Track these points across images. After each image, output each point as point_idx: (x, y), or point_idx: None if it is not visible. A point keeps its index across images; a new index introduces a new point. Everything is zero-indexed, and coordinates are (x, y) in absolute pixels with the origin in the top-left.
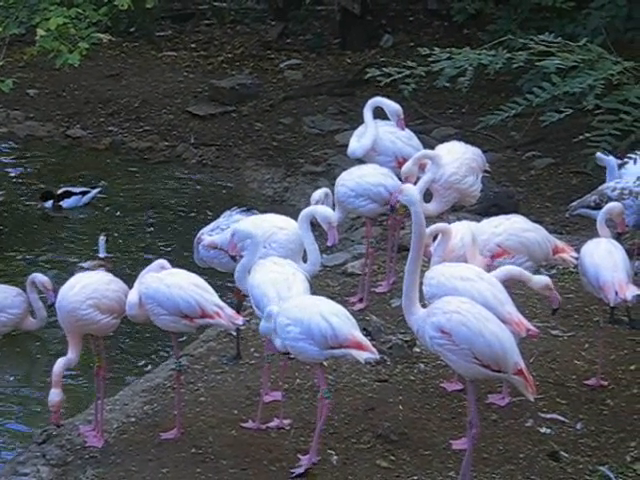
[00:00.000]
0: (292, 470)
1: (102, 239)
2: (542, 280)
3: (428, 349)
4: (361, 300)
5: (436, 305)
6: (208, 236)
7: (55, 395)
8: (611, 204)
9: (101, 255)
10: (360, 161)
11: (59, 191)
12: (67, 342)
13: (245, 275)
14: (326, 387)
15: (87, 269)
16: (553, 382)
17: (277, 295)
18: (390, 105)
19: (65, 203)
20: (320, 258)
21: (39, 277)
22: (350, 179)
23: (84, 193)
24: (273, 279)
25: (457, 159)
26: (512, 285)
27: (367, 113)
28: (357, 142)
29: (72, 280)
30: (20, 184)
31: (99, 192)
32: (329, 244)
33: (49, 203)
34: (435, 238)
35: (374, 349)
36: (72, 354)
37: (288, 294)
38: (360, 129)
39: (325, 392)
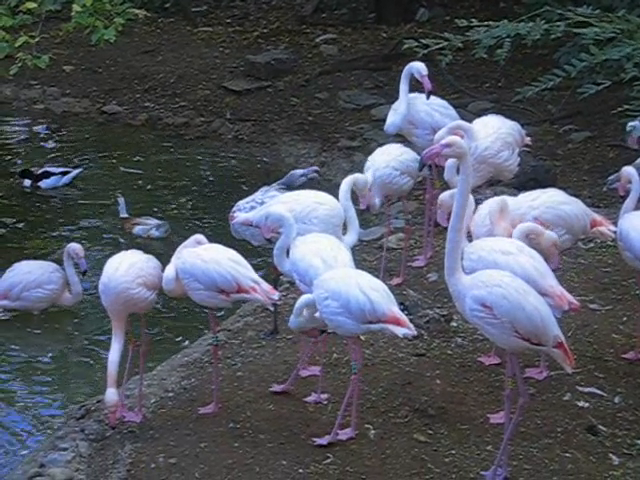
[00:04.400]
0: (314, 439)
1: (121, 200)
2: (552, 236)
3: (464, 316)
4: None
5: (479, 277)
6: (242, 209)
7: (112, 394)
8: (625, 168)
9: (123, 215)
10: (398, 136)
11: (39, 171)
12: (103, 320)
13: (283, 256)
14: (357, 362)
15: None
16: (591, 356)
17: (323, 264)
18: (413, 65)
19: (44, 183)
20: (359, 228)
21: (72, 246)
22: (392, 159)
23: (64, 173)
24: (317, 250)
25: (492, 133)
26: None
27: (402, 84)
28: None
29: (113, 262)
30: (56, 161)
31: (81, 172)
32: (362, 207)
33: (27, 182)
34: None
35: (411, 325)
36: (119, 342)
37: (335, 264)
38: (397, 103)
39: (353, 367)
